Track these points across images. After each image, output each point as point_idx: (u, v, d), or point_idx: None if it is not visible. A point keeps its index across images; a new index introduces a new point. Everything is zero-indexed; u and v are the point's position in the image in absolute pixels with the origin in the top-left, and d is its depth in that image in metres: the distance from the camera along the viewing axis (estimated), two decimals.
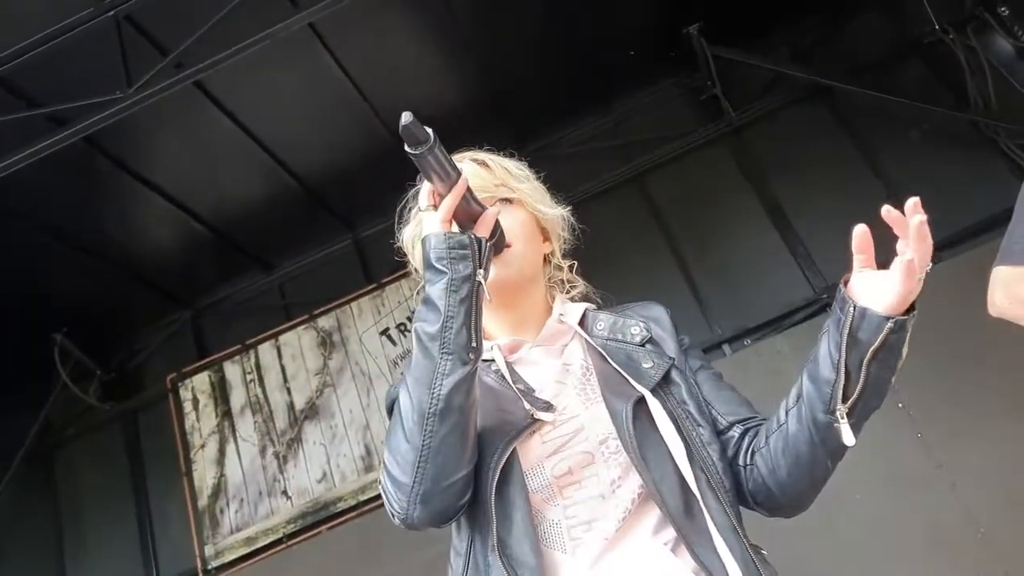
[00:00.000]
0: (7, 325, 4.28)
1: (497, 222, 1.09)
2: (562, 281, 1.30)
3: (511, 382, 1.11)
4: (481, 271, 1.01)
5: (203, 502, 4.42)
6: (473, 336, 0.99)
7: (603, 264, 4.12)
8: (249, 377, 4.66)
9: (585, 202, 4.55)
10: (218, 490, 4.43)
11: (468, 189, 1.03)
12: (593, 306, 1.27)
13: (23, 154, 3.14)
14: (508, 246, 1.14)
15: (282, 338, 4.70)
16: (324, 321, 4.66)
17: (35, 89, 3.32)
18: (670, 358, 1.15)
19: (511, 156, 1.29)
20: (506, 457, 1.03)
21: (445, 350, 0.98)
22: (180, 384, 4.71)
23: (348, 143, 4.30)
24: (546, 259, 1.28)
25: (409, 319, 4.47)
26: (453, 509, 1.03)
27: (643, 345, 1.16)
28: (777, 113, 4.50)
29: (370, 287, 4.63)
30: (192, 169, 4.21)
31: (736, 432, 1.13)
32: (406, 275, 4.53)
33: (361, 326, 4.58)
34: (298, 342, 4.67)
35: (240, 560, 4.26)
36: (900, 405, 3.55)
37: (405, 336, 4.49)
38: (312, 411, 4.51)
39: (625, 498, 1.05)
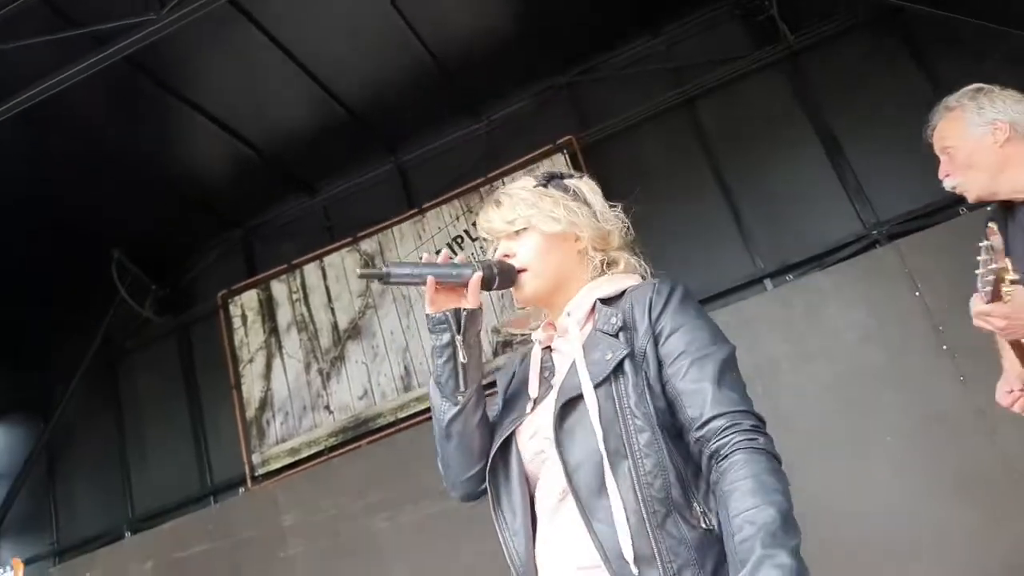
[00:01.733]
0: (68, 242, 4.48)
1: (494, 267, 1.33)
2: (598, 264, 1.41)
3: (537, 370, 1.37)
4: (459, 337, 1.31)
5: (251, 413, 4.64)
6: (460, 383, 1.33)
7: (647, 190, 4.06)
8: (295, 296, 4.80)
9: (634, 125, 4.44)
10: (265, 403, 4.64)
11: (441, 279, 1.30)
12: (614, 290, 1.33)
13: (66, 73, 3.22)
14: (523, 271, 1.36)
15: (327, 259, 4.80)
16: (367, 244, 4.73)
17: (75, 9, 3.36)
18: (626, 347, 1.25)
19: (533, 174, 1.46)
20: (504, 436, 1.33)
21: (442, 395, 1.35)
22: (230, 301, 4.89)
23: (392, 68, 4.26)
24: (584, 251, 1.42)
25: (448, 244, 4.49)
26: (474, 492, 1.41)
27: (616, 335, 1.27)
28: (839, 37, 4.23)
29: (411, 212, 4.66)
30: (237, 92, 4.24)
31: (692, 437, 1.20)
32: (446, 201, 4.59)
33: (403, 250, 4.63)
34: (342, 263, 4.76)
35: (284, 468, 4.49)
36: (944, 347, 3.42)
37: None
38: (355, 331, 4.64)
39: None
